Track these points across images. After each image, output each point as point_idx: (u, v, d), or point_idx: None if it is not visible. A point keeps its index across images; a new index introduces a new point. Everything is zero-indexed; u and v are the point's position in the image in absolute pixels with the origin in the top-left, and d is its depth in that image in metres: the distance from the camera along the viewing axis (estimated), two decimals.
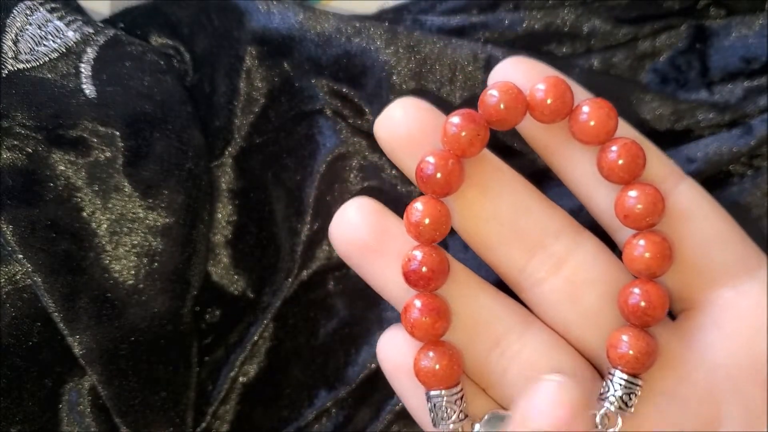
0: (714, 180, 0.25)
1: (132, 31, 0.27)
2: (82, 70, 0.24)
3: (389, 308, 0.26)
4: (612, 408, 0.19)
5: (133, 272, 0.24)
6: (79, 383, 0.24)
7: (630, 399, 0.19)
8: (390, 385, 0.21)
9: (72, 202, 0.23)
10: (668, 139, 0.26)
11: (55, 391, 0.24)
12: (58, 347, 0.23)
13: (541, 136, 0.21)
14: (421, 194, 0.20)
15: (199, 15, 0.27)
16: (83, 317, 0.23)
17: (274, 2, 0.26)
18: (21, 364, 0.23)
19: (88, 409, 0.24)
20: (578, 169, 0.20)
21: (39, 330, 0.23)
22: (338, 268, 0.26)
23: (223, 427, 0.26)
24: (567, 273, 0.20)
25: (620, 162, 0.19)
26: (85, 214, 0.23)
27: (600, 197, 0.20)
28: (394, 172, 0.26)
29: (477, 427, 0.20)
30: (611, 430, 0.19)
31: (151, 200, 0.24)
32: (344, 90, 0.26)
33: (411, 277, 0.19)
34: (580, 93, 0.20)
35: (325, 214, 0.26)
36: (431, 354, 0.19)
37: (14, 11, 0.24)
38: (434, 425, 0.20)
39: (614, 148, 0.19)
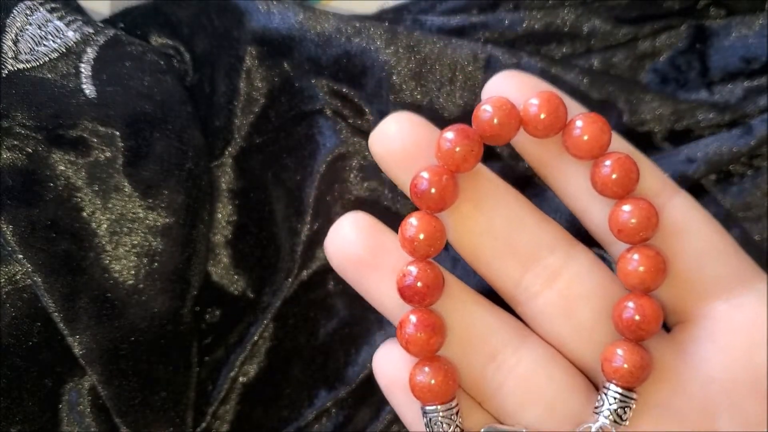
0: (714, 180, 0.25)
1: (132, 31, 0.27)
2: (82, 70, 0.24)
3: None
4: (607, 421, 0.19)
5: (133, 272, 0.24)
6: (79, 383, 0.24)
7: (625, 412, 0.19)
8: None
9: (72, 202, 0.23)
10: (668, 140, 0.26)
11: (55, 391, 0.24)
12: (58, 347, 0.23)
13: (535, 151, 0.21)
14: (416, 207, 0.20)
15: (199, 15, 0.27)
16: (83, 317, 0.23)
17: (274, 2, 0.26)
18: (21, 364, 0.23)
19: (88, 409, 0.24)
20: (572, 183, 0.21)
21: (39, 330, 0.23)
22: None
23: (223, 427, 0.26)
24: (561, 286, 0.20)
25: (614, 177, 0.19)
26: (85, 214, 0.23)
27: (594, 211, 0.20)
28: None
29: None
30: None
31: (151, 200, 0.24)
32: (344, 90, 0.26)
33: (406, 293, 0.19)
34: (574, 107, 0.20)
35: (325, 214, 0.26)
36: (426, 369, 0.19)
37: (14, 11, 0.24)
38: None
39: (608, 162, 0.19)
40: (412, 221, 0.19)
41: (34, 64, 0.24)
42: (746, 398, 0.19)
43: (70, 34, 0.25)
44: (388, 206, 0.27)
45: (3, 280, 0.23)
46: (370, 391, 0.26)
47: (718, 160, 0.24)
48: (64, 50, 0.24)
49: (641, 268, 0.19)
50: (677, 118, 0.25)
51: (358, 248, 0.20)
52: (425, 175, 0.19)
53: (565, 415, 0.20)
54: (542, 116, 0.19)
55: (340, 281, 0.27)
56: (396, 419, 0.25)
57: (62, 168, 0.23)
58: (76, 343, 0.23)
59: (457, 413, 0.20)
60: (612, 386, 0.19)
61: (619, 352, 0.19)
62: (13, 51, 0.24)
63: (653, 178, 0.20)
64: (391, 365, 0.20)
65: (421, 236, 0.19)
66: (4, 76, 0.23)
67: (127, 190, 0.24)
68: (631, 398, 0.19)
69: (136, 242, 0.24)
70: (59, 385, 0.24)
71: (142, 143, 0.24)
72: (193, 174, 0.25)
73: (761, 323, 0.19)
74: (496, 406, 0.20)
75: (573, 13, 0.26)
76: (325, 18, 0.26)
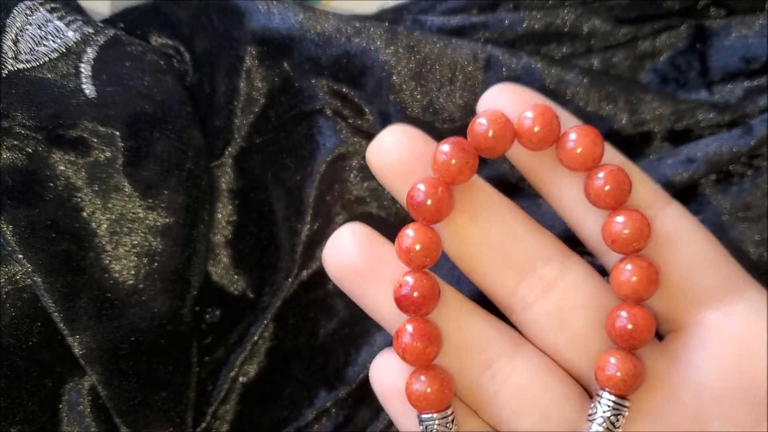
0: (714, 180, 0.25)
1: (132, 31, 0.27)
2: (82, 70, 0.24)
3: None
4: (600, 429, 0.19)
5: (133, 272, 0.24)
6: (79, 383, 0.24)
7: (617, 420, 0.19)
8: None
9: (72, 202, 0.23)
10: (668, 140, 0.26)
11: (55, 391, 0.24)
12: (58, 347, 0.23)
13: (530, 163, 0.21)
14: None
15: (199, 15, 0.27)
16: (83, 317, 0.23)
17: (274, 2, 0.26)
18: (21, 364, 0.23)
19: (88, 409, 0.24)
20: (566, 195, 0.21)
21: (39, 330, 0.23)
22: None
23: (223, 427, 0.26)
24: (556, 296, 0.21)
25: (607, 188, 0.19)
26: (85, 214, 0.23)
27: (588, 222, 0.21)
28: None
29: None
30: None
31: (151, 200, 0.24)
32: (344, 90, 0.26)
33: (402, 303, 0.19)
34: (568, 120, 0.21)
35: (325, 214, 0.26)
36: (423, 378, 0.19)
37: (14, 11, 0.24)
38: None
39: (601, 174, 0.20)
40: (409, 232, 0.20)
41: (34, 64, 0.24)
42: (737, 406, 0.19)
43: (70, 34, 0.25)
44: (388, 206, 0.27)
45: (3, 280, 0.23)
46: (370, 391, 0.26)
47: (718, 160, 0.24)
48: (64, 50, 0.24)
49: (634, 278, 0.19)
50: (677, 118, 0.25)
51: (355, 259, 0.20)
52: (421, 187, 0.19)
53: (560, 423, 0.20)
54: (536, 129, 0.19)
55: None
56: None
57: (62, 168, 0.23)
58: (76, 343, 0.23)
59: (452, 421, 0.20)
60: (605, 394, 0.20)
61: (612, 360, 0.19)
62: (13, 51, 0.24)
63: (645, 189, 0.21)
64: (387, 374, 0.21)
65: (417, 247, 0.19)
66: (4, 76, 0.23)
67: (127, 190, 0.24)
68: (624, 406, 0.19)
69: (136, 242, 0.24)
70: (59, 385, 0.24)
71: (142, 143, 0.24)
72: (193, 174, 0.25)
73: (752, 332, 0.20)
74: (491, 414, 0.21)
75: (573, 13, 0.26)
76: (325, 18, 0.26)
